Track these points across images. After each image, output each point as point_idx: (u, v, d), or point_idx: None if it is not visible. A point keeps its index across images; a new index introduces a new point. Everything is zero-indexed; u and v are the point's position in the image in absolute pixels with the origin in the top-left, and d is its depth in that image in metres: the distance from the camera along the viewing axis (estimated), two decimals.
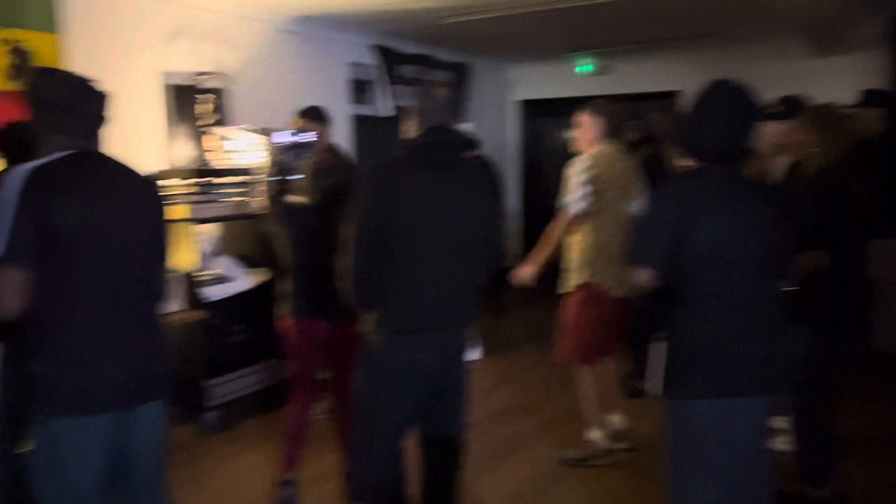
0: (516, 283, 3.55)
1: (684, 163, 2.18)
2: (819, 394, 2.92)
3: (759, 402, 2.09)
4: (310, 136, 4.59)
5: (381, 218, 2.31)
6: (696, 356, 2.05)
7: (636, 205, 3.54)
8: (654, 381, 2.12)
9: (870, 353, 3.20)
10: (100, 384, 1.91)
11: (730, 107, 2.09)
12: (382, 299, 2.37)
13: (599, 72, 7.67)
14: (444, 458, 2.61)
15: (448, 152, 2.44)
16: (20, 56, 3.68)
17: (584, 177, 3.35)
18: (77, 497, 1.94)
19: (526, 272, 3.51)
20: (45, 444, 1.92)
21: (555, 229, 3.47)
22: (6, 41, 3.63)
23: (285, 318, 3.21)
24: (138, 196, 2.07)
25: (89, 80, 2.00)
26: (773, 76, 5.38)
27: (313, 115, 4.47)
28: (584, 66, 7.69)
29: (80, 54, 3.93)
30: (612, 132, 3.53)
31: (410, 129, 2.48)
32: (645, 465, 3.63)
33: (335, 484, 3.33)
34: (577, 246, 3.48)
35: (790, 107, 3.33)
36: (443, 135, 2.42)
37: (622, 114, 3.68)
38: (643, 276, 2.09)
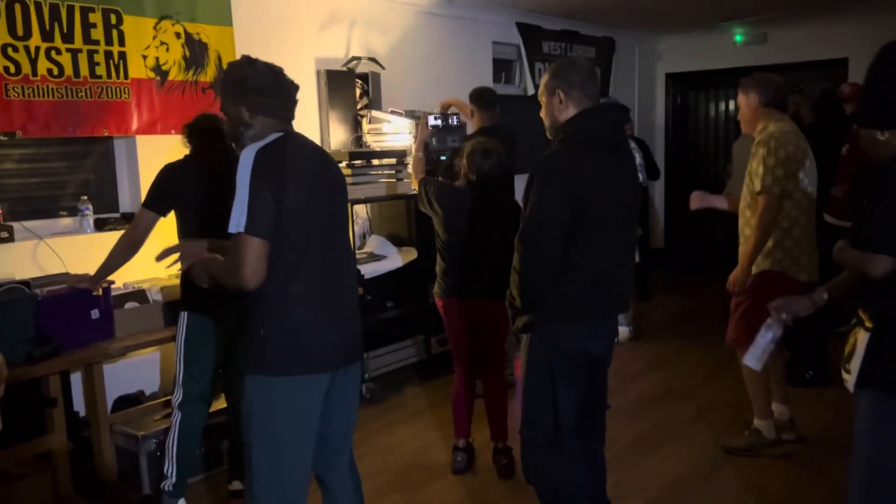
0: (730, 289, 3.35)
1: (881, 137, 1.97)
2: None
3: None
4: (457, 121, 4.67)
5: (567, 208, 2.21)
6: None
7: (812, 184, 3.32)
8: (856, 369, 1.93)
9: None
10: (320, 345, 2.05)
11: None
12: (565, 286, 2.28)
13: (752, 41, 7.21)
14: (597, 446, 2.58)
15: (616, 130, 2.34)
16: (196, 48, 3.95)
17: (774, 158, 3.13)
18: (293, 447, 2.08)
19: (738, 278, 3.29)
20: (265, 400, 2.04)
21: (760, 219, 3.19)
22: (182, 34, 3.90)
23: (438, 297, 3.29)
24: (334, 170, 2.23)
25: (282, 70, 2.18)
26: None
27: (478, 98, 4.50)
28: (739, 35, 7.26)
29: (242, 44, 4.15)
30: (775, 104, 3.31)
31: (562, 109, 2.32)
32: (811, 457, 3.44)
33: (486, 459, 3.40)
34: (751, 224, 3.26)
35: None
36: (608, 113, 2.34)
37: (779, 82, 3.40)
38: (883, 265, 1.86)
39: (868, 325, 1.91)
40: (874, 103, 1.98)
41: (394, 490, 3.26)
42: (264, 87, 2.08)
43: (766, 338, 2.36)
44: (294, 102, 2.17)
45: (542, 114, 2.40)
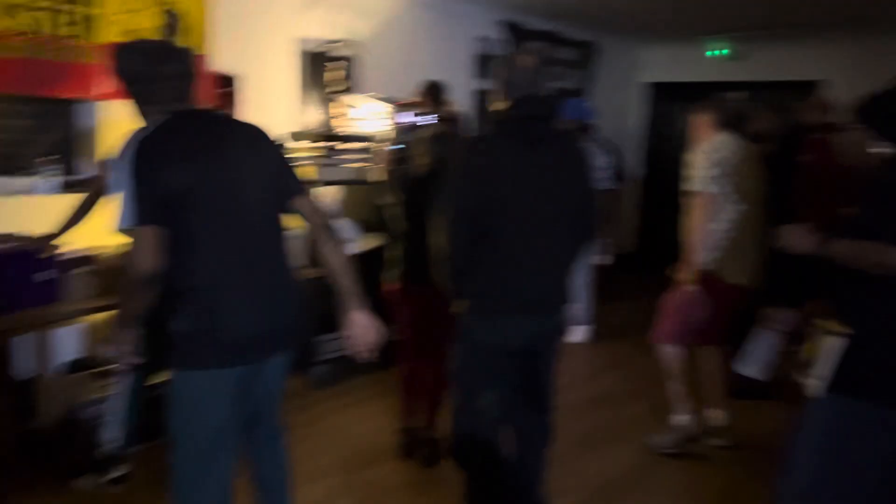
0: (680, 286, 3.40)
1: (878, 147, 2.00)
2: None
3: None
4: (430, 119, 4.67)
5: (474, 198, 2.24)
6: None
7: (752, 193, 3.39)
8: (822, 376, 1.98)
9: None
10: (229, 340, 1.98)
11: None
12: (475, 279, 2.32)
13: (734, 57, 7.30)
14: (533, 440, 2.60)
15: (538, 124, 2.31)
16: (171, 17, 3.92)
17: (710, 159, 3.23)
18: (208, 440, 2.05)
19: (685, 280, 3.34)
20: (179, 392, 2.04)
21: (695, 218, 3.26)
22: (160, 2, 3.87)
23: (392, 282, 3.31)
24: (246, 145, 2.08)
25: (164, 44, 2.06)
26: None
27: (432, 94, 4.53)
28: (718, 49, 7.33)
29: (220, 18, 4.13)
30: (730, 124, 3.39)
31: (498, 102, 2.37)
32: (748, 462, 3.52)
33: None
34: (688, 227, 3.33)
35: None
36: (531, 106, 2.30)
37: (739, 108, 3.51)
38: None
39: (839, 330, 1.95)
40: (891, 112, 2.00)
41: (334, 472, 3.28)
42: (137, 72, 1.99)
43: (760, 347, 2.40)
44: (181, 78, 2.02)
45: None
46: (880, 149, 2.00)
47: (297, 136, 4.42)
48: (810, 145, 4.51)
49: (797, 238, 2.05)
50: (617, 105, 8.04)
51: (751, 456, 3.59)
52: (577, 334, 5.31)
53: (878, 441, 1.94)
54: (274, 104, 4.56)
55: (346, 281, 2.13)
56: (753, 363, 2.44)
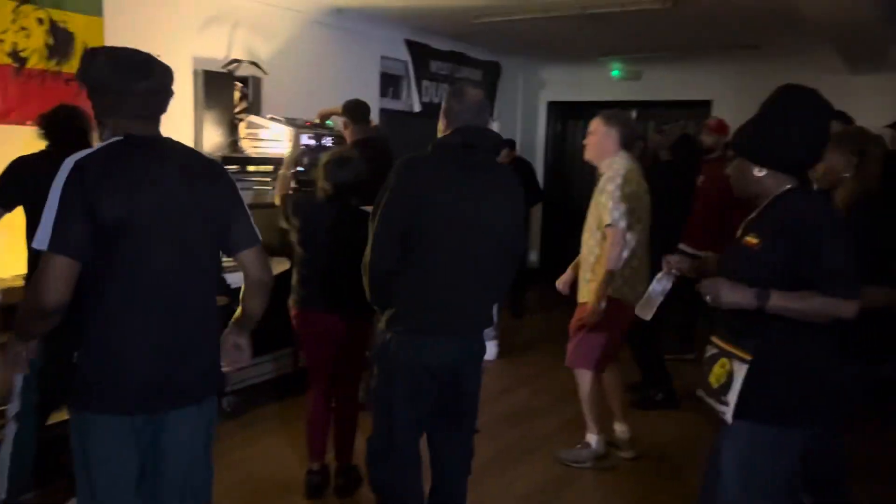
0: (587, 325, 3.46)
1: (758, 174, 2.07)
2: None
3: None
4: (331, 141, 4.63)
5: (402, 216, 2.28)
6: (800, 382, 1.99)
7: (648, 219, 3.51)
8: (730, 402, 2.01)
9: None
10: (128, 385, 1.87)
11: (816, 116, 2.04)
12: (399, 298, 2.34)
13: (630, 77, 7.62)
14: (454, 462, 2.60)
15: (474, 154, 2.37)
16: (61, 36, 3.72)
17: (621, 193, 3.30)
18: (107, 487, 1.92)
19: (594, 310, 3.39)
20: (78, 434, 1.91)
21: (610, 252, 3.30)
22: (46, 20, 3.68)
23: (293, 308, 3.21)
24: (198, 185, 1.97)
25: (143, 57, 1.92)
26: None
27: (352, 112, 4.47)
28: (617, 70, 7.63)
29: (114, 37, 3.96)
30: (627, 143, 3.48)
31: (441, 129, 2.45)
32: (657, 472, 3.66)
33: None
34: (601, 259, 3.39)
35: None
36: (470, 136, 2.36)
37: (636, 124, 3.63)
38: (854, 309, 1.90)
39: (743, 357, 2.00)
40: (762, 139, 2.06)
41: None
42: (105, 82, 1.86)
43: (656, 290, 2.50)
44: (153, 95, 1.91)
45: None
46: (759, 174, 2.07)
47: None
48: (706, 168, 4.75)
49: (727, 292, 1.97)
50: (520, 124, 8.23)
51: (658, 463, 3.73)
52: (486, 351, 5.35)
53: (786, 461, 2.04)
54: (168, 125, 4.38)
55: (249, 320, 2.15)
56: (647, 307, 2.54)
